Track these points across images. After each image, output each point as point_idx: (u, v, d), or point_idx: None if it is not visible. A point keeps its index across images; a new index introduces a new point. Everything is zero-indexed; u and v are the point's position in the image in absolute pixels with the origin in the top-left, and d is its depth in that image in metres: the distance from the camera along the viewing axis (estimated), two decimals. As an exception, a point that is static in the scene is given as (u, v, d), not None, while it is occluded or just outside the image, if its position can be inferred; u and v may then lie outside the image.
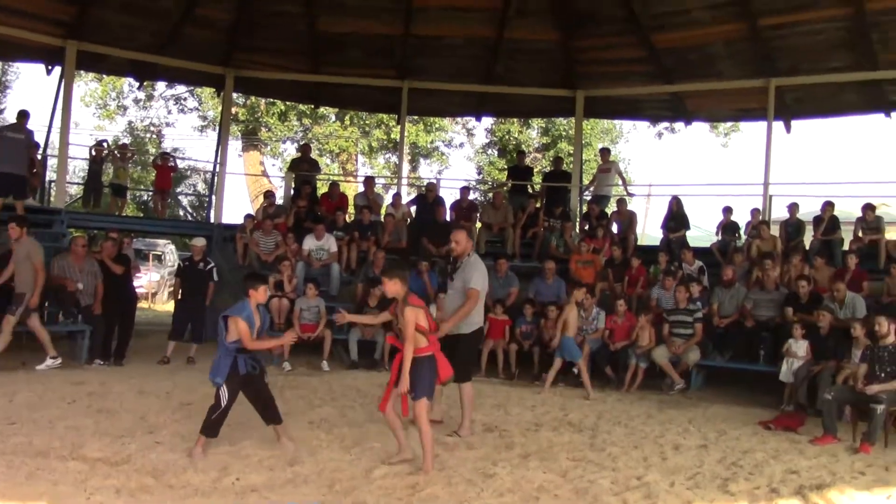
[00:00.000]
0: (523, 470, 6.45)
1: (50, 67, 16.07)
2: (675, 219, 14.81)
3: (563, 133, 29.45)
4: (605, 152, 17.84)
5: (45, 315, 11.35)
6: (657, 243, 15.45)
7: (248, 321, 6.42)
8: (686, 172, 61.10)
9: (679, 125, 20.60)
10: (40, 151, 15.08)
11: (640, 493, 5.94)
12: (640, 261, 13.37)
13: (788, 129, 16.49)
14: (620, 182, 17.38)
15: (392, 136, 29.15)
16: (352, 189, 24.29)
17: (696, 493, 6.01)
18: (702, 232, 16.97)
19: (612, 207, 16.39)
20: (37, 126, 14.36)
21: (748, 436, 8.17)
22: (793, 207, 14.16)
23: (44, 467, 5.78)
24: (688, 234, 14.96)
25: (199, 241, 12.56)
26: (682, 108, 17.59)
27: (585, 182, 17.91)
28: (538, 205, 16.05)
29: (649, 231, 24.24)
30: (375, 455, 6.64)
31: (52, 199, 15.45)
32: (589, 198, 16.85)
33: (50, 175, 16.96)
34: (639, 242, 15.88)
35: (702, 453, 7.32)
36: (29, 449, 6.24)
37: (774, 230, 14.22)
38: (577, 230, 16.00)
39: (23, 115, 13.64)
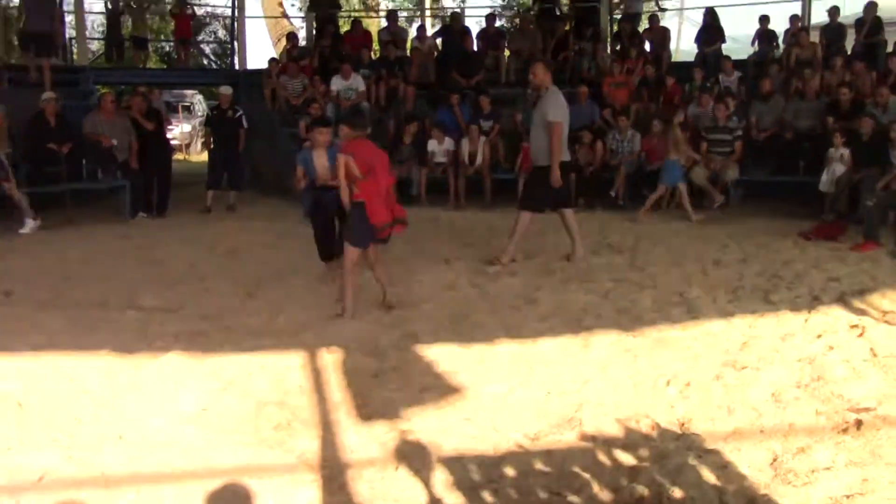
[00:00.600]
0: (565, 293, 6.58)
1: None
2: (710, 31, 14.27)
3: (589, -51, 28.09)
4: (633, -33, 17.04)
5: (85, 172, 11.53)
6: (692, 59, 14.98)
7: (301, 163, 7.07)
8: (719, -18, 58.45)
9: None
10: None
11: (681, 309, 6.06)
12: (674, 79, 13.00)
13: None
14: (651, -3, 16.72)
15: (411, -35, 28.09)
16: (375, 25, 23.64)
17: (738, 305, 6.11)
18: (738, 44, 16.33)
19: (643, 25, 15.82)
20: None
21: (788, 248, 8.20)
22: (833, 11, 13.53)
23: (103, 318, 6.01)
24: (723, 46, 14.44)
25: (226, 90, 12.44)
26: None
27: (615, 1, 17.22)
28: (567, 28, 15.54)
29: (683, 47, 23.51)
30: (422, 286, 6.81)
31: (74, 56, 15.28)
32: (619, 17, 16.24)
33: (69, 32, 16.68)
34: (673, 59, 15.43)
35: (742, 267, 7.38)
36: (87, 302, 6.48)
37: (814, 36, 13.69)
38: (609, 51, 15.53)
39: None
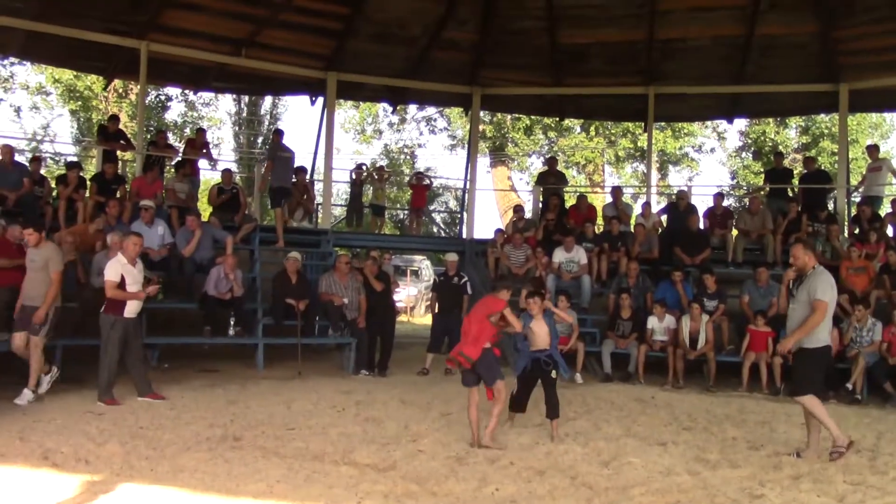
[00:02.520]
0: (794, 492, 6.02)
1: (313, 98, 17.49)
2: (961, 218, 13.32)
3: (826, 130, 27.51)
4: (873, 149, 16.40)
5: (317, 329, 12.23)
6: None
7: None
8: (973, 166, 54.59)
9: (962, 114, 18.56)
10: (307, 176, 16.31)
11: (932, 524, 5.36)
12: (921, 266, 12.14)
13: None
14: (894, 181, 15.91)
15: (639, 144, 28.62)
16: (600, 200, 24.12)
17: None
18: None
19: (885, 208, 15.04)
20: (303, 153, 15.85)
21: None
22: None
23: (319, 471, 6.18)
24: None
25: (452, 257, 12.99)
26: (964, 94, 15.81)
27: (853, 182, 16.57)
28: (800, 208, 15.06)
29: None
30: (633, 470, 6.49)
31: (319, 220, 16.63)
32: (858, 199, 15.57)
33: (317, 198, 18.24)
34: (920, 246, 14.45)
35: None
36: (306, 453, 6.72)
37: None
38: (846, 234, 14.82)
39: (279, 133, 15.27)
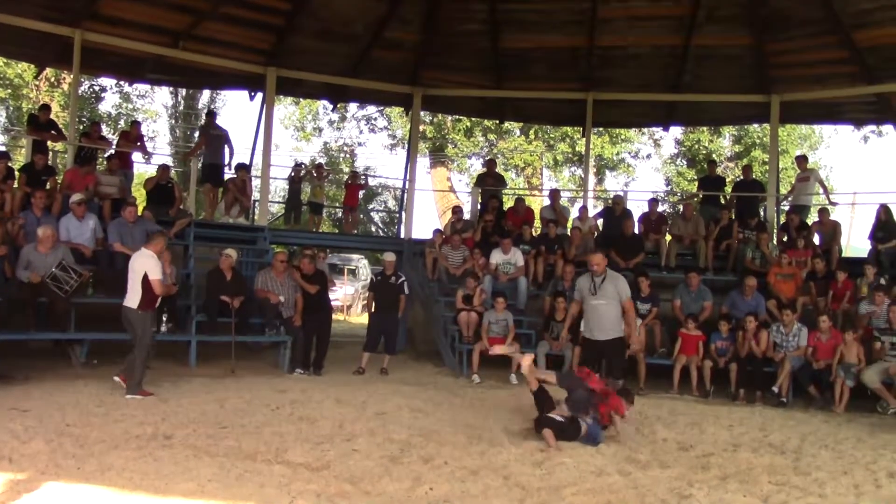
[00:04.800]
0: (721, 492, 6.16)
1: (252, 94, 17.25)
2: (884, 228, 13.76)
3: (758, 140, 28.22)
4: (802, 160, 16.86)
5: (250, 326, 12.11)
6: (865, 255, 14.41)
7: None
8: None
9: (887, 128, 19.17)
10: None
11: (852, 523, 5.54)
12: (845, 274, 12.52)
13: None
14: (821, 191, 16.38)
15: (577, 149, 28.94)
16: (537, 203, 24.30)
17: (917, 525, 5.53)
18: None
19: (812, 217, 15.50)
20: (241, 149, 15.80)
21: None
22: None
23: (251, 470, 6.11)
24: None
25: (390, 256, 12.94)
26: (890, 109, 16.34)
27: (783, 192, 17.00)
28: (732, 216, 15.41)
29: (855, 242, 22.68)
30: (565, 470, 6.56)
31: (255, 217, 16.43)
32: (787, 208, 15.99)
33: (254, 195, 18.02)
34: (843, 254, 14.92)
35: (922, 482, 6.72)
36: (238, 452, 6.63)
37: None
38: (775, 242, 15.22)
39: (212, 114, 15.63)
